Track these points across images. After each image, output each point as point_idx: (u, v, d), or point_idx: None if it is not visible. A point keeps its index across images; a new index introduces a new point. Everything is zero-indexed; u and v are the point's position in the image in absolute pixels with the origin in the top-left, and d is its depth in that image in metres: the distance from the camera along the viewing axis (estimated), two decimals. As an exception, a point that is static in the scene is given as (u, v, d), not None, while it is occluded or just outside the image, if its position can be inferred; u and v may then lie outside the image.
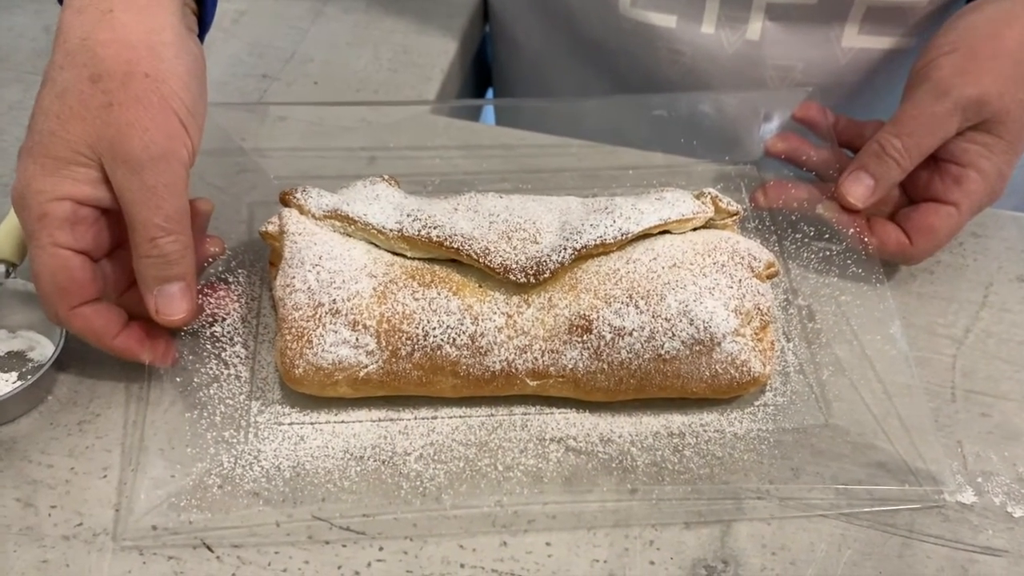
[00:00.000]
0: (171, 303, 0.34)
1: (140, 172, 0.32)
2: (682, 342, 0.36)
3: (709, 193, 0.40)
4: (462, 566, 0.33)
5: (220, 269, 0.41)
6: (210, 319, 0.39)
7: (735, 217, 0.40)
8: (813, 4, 0.52)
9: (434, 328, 0.36)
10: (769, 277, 0.40)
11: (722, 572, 0.34)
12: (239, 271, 0.42)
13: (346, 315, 0.36)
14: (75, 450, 0.36)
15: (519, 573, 0.33)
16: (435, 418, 0.38)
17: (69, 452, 0.36)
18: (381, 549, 0.34)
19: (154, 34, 0.33)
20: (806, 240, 0.44)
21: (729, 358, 0.36)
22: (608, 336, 0.36)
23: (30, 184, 0.32)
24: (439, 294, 0.36)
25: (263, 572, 0.33)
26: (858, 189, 0.41)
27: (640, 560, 0.34)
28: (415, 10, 0.60)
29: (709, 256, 0.38)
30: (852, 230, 0.42)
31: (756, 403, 0.39)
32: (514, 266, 0.36)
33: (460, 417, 0.38)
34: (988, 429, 0.39)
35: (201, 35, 0.38)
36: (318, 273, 0.36)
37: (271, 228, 0.39)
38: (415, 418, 0.38)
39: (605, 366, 0.36)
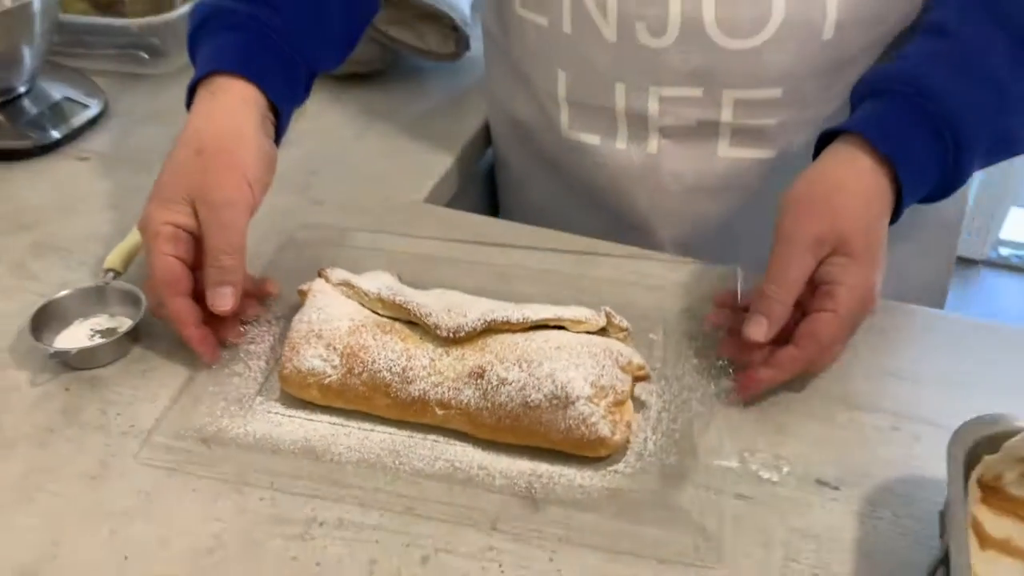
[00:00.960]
0: (221, 299, 0.53)
1: (215, 212, 0.53)
2: (544, 395, 0.49)
3: (604, 309, 0.54)
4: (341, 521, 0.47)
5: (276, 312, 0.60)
6: (250, 341, 0.57)
7: (624, 332, 0.54)
8: (693, 125, 0.68)
9: (379, 358, 0.51)
10: (637, 379, 0.52)
11: None
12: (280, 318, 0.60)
13: (325, 339, 0.52)
14: (138, 387, 0.55)
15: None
16: (372, 431, 0.52)
17: (134, 388, 0.55)
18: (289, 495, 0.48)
19: (239, 129, 0.56)
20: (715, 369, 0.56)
21: (581, 417, 0.49)
22: (495, 383, 0.50)
23: (150, 214, 0.54)
24: (391, 339, 0.52)
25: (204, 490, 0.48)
26: (757, 329, 0.53)
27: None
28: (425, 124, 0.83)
29: (587, 347, 0.51)
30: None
31: (607, 468, 0.50)
32: (442, 325, 0.52)
33: (388, 434, 0.52)
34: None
35: (278, 139, 0.60)
36: (319, 313, 0.54)
37: (305, 288, 0.57)
38: (358, 428, 0.53)
39: (489, 405, 0.50)
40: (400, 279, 0.58)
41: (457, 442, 0.52)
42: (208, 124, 0.56)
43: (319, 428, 0.52)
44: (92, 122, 0.82)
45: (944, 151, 0.55)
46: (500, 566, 0.45)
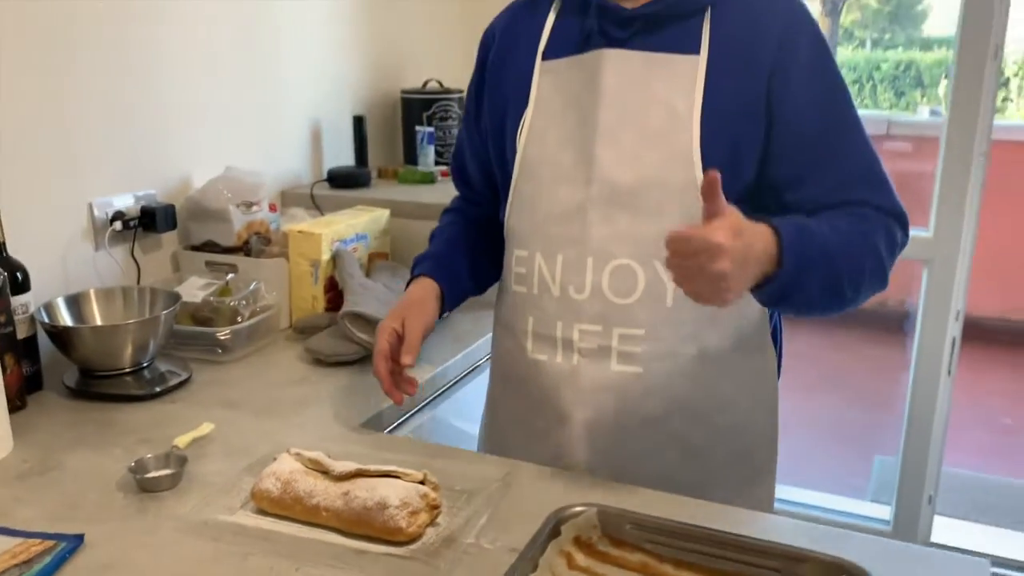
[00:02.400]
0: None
1: (408, 328, 1.10)
2: (375, 503, 0.96)
3: (425, 472, 1.02)
4: None
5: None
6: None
7: (434, 484, 1.01)
8: (596, 348, 1.09)
9: (300, 486, 1.00)
10: (432, 506, 0.99)
11: None
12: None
13: (277, 476, 1.02)
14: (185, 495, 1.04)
15: None
16: (291, 523, 0.99)
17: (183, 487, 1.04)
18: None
19: (423, 296, 1.18)
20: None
21: (391, 514, 0.95)
22: (353, 498, 0.97)
23: (383, 324, 1.15)
24: (308, 477, 1.01)
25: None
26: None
27: None
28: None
29: (405, 487, 0.99)
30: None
31: (406, 547, 0.95)
32: (332, 471, 1.01)
33: (298, 525, 0.99)
34: None
35: (442, 309, 1.20)
36: (277, 464, 1.04)
37: (284, 454, 1.07)
38: (294, 523, 1.00)
39: (347, 509, 0.97)
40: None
41: (327, 531, 0.98)
42: (412, 292, 1.20)
43: (269, 521, 1.00)
44: (181, 384, 1.39)
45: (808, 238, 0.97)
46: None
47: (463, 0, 2.37)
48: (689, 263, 0.88)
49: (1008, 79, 7.36)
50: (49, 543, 0.95)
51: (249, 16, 1.81)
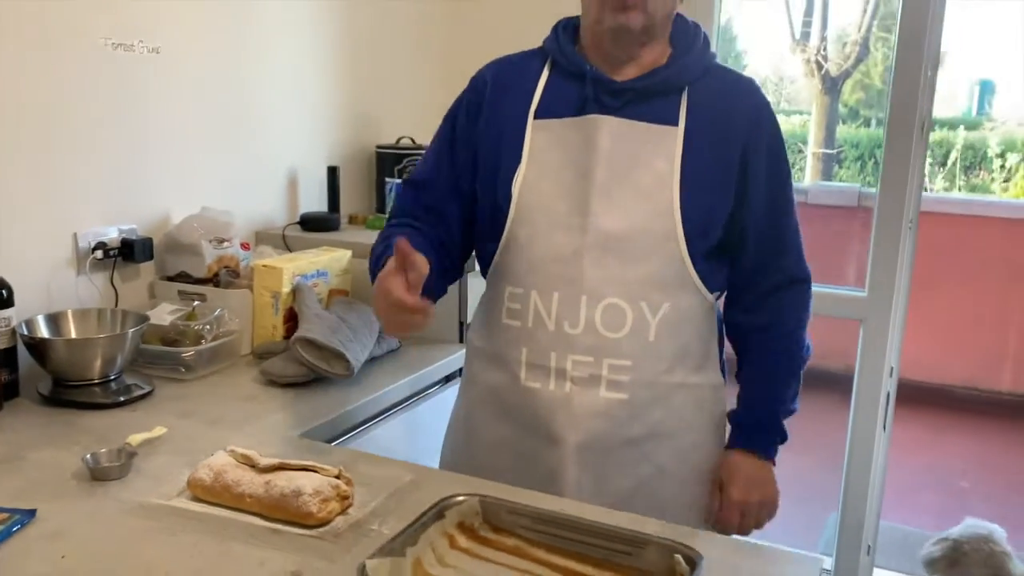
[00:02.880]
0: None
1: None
2: (291, 491, 1.09)
3: (340, 468, 1.15)
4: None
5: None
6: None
7: (347, 478, 1.14)
8: (587, 377, 1.23)
9: (229, 475, 1.14)
10: (342, 496, 1.12)
11: None
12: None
13: (211, 467, 1.15)
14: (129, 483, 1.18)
15: (206, 532, 1.06)
16: (223, 509, 1.13)
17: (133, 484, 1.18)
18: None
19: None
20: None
21: (303, 502, 1.08)
22: (273, 485, 1.11)
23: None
24: (237, 468, 1.15)
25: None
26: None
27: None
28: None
29: (320, 479, 1.12)
30: None
31: (322, 530, 1.09)
32: (258, 464, 1.15)
33: (228, 511, 1.13)
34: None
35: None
36: (212, 458, 1.17)
37: (222, 451, 1.21)
38: (220, 508, 1.13)
39: (268, 496, 1.10)
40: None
41: (250, 515, 1.12)
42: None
43: (201, 506, 1.14)
44: (145, 396, 1.53)
45: (776, 440, 1.35)
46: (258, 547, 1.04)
47: (438, 62, 2.57)
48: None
49: (991, 159, 7.59)
50: (6, 516, 1.09)
51: (235, 69, 2.00)
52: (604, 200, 1.23)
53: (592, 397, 1.25)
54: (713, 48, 1.33)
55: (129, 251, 1.75)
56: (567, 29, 1.33)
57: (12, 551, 1.03)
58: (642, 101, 1.25)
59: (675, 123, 1.25)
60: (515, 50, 1.38)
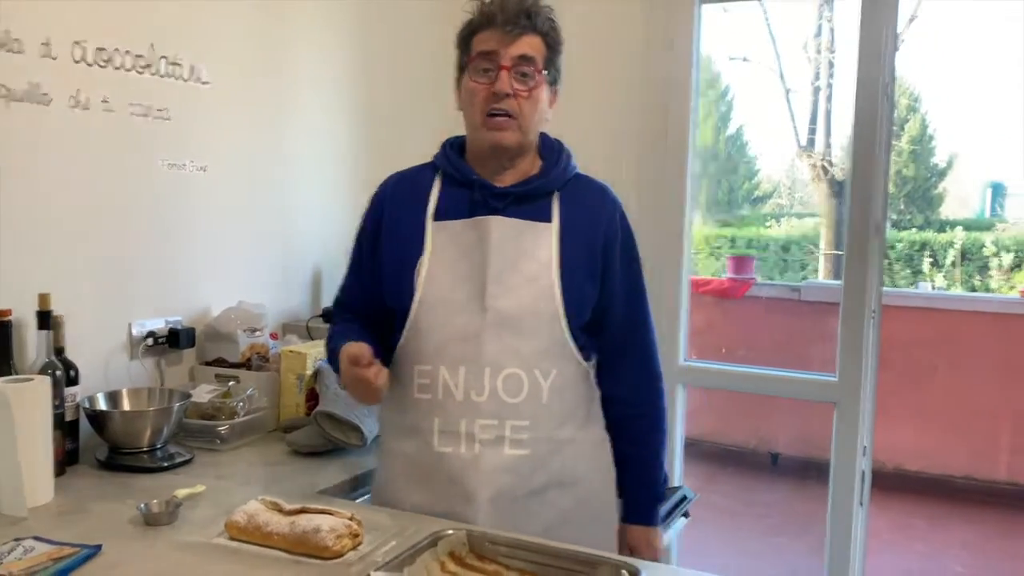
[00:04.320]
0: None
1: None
2: (311, 529, 1.31)
3: (352, 513, 1.38)
4: None
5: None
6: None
7: (358, 521, 1.37)
8: (493, 439, 1.42)
9: (260, 518, 1.36)
10: (354, 534, 1.34)
11: None
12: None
13: (245, 511, 1.38)
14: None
15: None
16: (256, 546, 1.35)
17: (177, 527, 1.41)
18: None
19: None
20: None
21: (321, 538, 1.30)
22: (296, 524, 1.33)
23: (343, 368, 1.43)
24: (266, 512, 1.38)
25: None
26: None
27: None
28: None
29: (339, 521, 1.35)
30: None
31: (336, 561, 1.30)
32: (284, 509, 1.38)
33: (259, 547, 1.35)
34: None
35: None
36: (246, 505, 1.40)
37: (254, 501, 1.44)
38: (251, 545, 1.35)
39: (292, 533, 1.33)
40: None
41: (277, 550, 1.34)
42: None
43: (237, 547, 1.36)
44: (186, 462, 1.77)
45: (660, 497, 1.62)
46: (278, 578, 1.26)
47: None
48: None
49: (989, 257, 7.82)
50: (76, 549, 1.32)
51: (269, 184, 2.32)
52: (498, 286, 1.45)
53: (498, 455, 1.44)
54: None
55: (175, 339, 2.02)
56: (454, 146, 1.57)
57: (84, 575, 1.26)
58: (522, 203, 1.49)
59: (550, 220, 1.49)
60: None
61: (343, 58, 2.54)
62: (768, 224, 11.03)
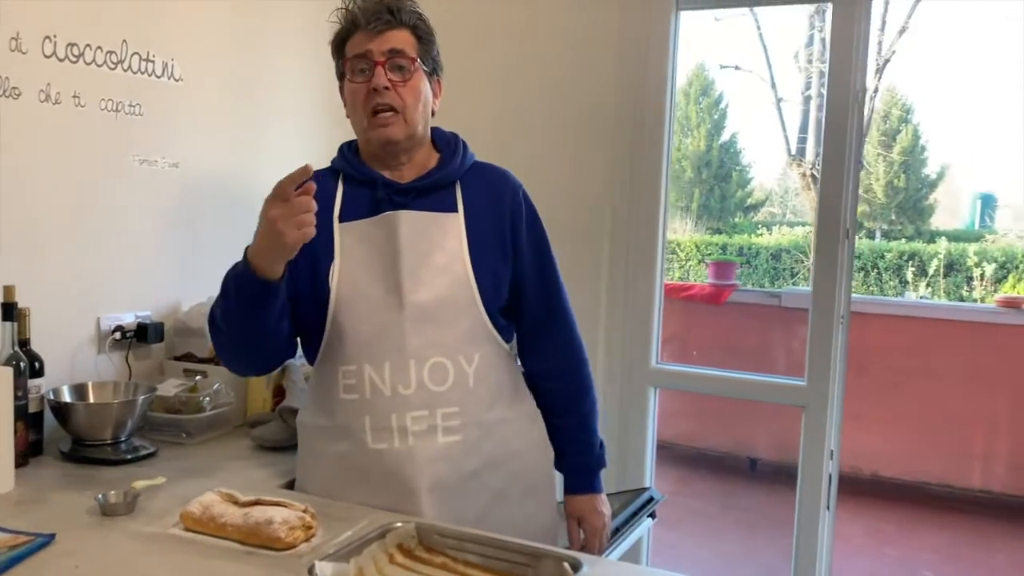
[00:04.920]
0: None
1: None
2: (264, 520, 1.33)
3: (306, 505, 1.39)
4: None
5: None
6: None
7: (311, 514, 1.38)
8: (425, 429, 1.46)
9: (215, 509, 1.38)
10: (307, 526, 1.36)
11: None
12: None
13: (201, 503, 1.40)
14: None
15: None
16: (209, 538, 1.37)
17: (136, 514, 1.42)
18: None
19: None
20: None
21: (273, 530, 1.32)
22: (250, 516, 1.35)
23: (265, 211, 1.34)
24: (222, 504, 1.39)
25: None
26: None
27: None
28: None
29: (291, 513, 1.36)
30: None
31: (288, 553, 1.32)
32: (239, 500, 1.39)
33: (215, 540, 1.36)
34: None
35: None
36: (203, 497, 1.42)
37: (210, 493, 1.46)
38: (205, 536, 1.37)
39: (245, 524, 1.34)
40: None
41: (230, 541, 1.35)
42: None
43: (191, 535, 1.38)
44: (150, 455, 1.78)
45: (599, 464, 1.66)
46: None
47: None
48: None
49: (970, 267, 7.88)
50: (30, 537, 1.34)
51: (242, 181, 2.33)
52: (413, 279, 1.48)
53: (432, 445, 1.47)
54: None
55: (143, 333, 2.03)
56: (351, 148, 1.61)
57: (35, 564, 1.27)
58: (425, 196, 1.53)
59: (455, 210, 1.53)
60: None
61: (317, 55, 2.55)
62: (759, 232, 11.08)
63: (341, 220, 1.53)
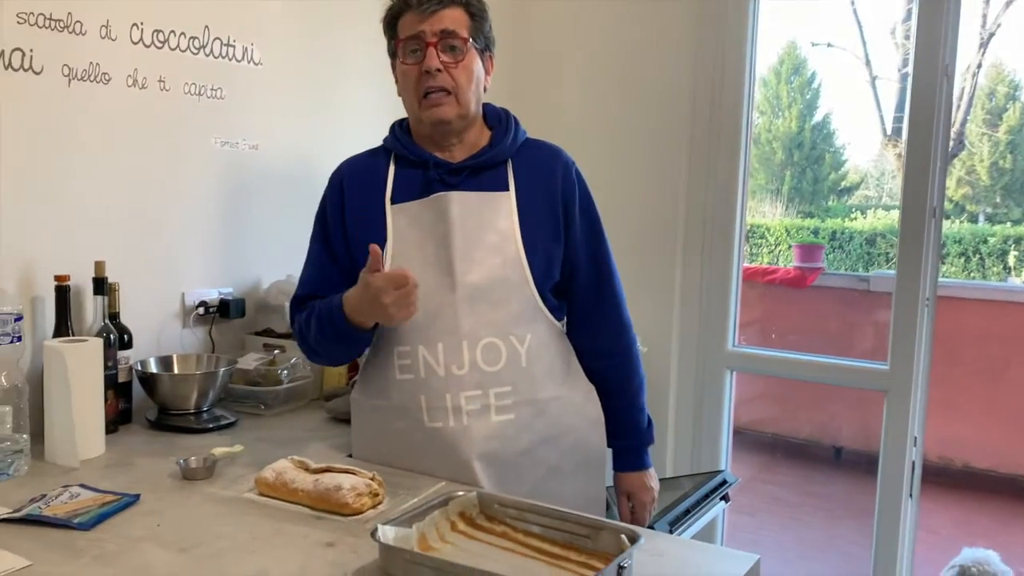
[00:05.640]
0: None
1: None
2: (333, 486, 1.38)
3: (373, 472, 1.43)
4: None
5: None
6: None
7: (379, 481, 1.42)
8: (479, 408, 1.47)
9: (287, 475, 1.43)
10: (374, 493, 1.39)
11: None
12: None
13: (274, 469, 1.45)
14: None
15: (265, 514, 1.36)
16: (283, 502, 1.42)
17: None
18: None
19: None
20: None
21: (342, 495, 1.36)
22: (320, 483, 1.39)
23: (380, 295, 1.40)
24: (294, 470, 1.44)
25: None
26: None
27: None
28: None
29: (359, 479, 1.40)
30: None
31: (355, 518, 1.36)
32: (310, 467, 1.44)
33: (285, 503, 1.42)
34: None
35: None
36: (276, 464, 1.47)
37: (284, 460, 1.51)
38: (277, 500, 1.42)
39: (315, 490, 1.39)
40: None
41: (301, 506, 1.40)
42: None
43: (265, 499, 1.43)
44: (230, 425, 1.86)
45: (647, 441, 1.69)
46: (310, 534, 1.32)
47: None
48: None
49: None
50: (117, 497, 1.41)
51: (317, 161, 2.38)
52: (465, 260, 1.49)
53: (486, 423, 1.49)
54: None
55: (225, 309, 2.11)
56: (402, 127, 1.61)
57: (121, 520, 1.35)
58: (476, 175, 1.53)
59: (507, 188, 1.53)
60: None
61: (396, 41, 2.60)
62: (853, 216, 10.73)
63: (393, 202, 1.55)
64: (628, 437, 1.68)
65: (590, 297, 1.62)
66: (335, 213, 1.60)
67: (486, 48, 1.57)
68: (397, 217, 1.53)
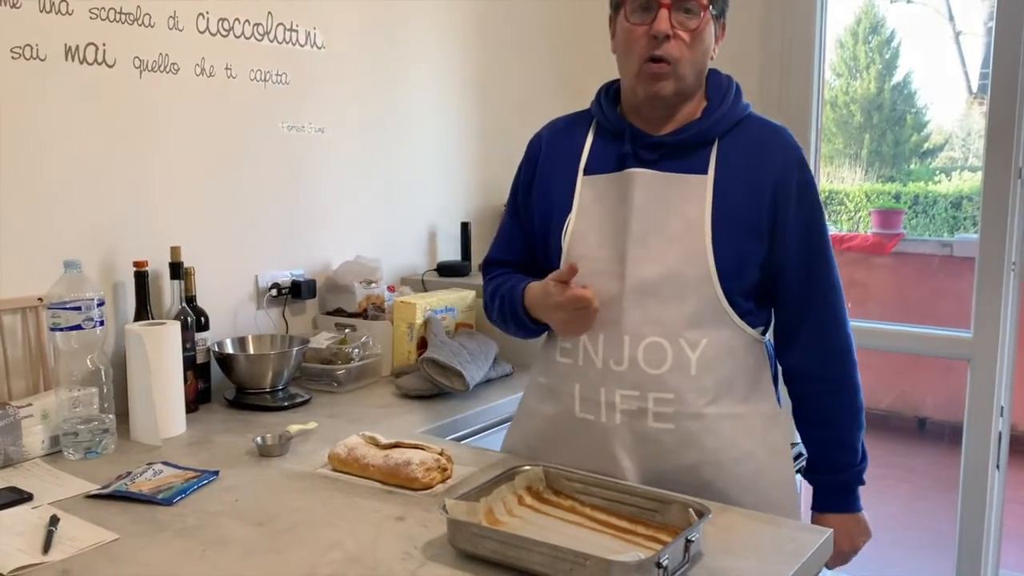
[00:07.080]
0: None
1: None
2: (402, 462, 1.40)
3: (442, 447, 1.45)
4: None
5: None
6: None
7: (447, 456, 1.44)
8: (635, 410, 1.34)
9: (358, 451, 1.46)
10: (443, 468, 1.41)
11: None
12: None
13: (346, 444, 1.48)
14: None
15: (337, 489, 1.39)
16: (358, 478, 1.45)
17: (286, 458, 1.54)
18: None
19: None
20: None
21: (411, 470, 1.38)
22: (391, 459, 1.42)
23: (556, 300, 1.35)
24: (365, 446, 1.47)
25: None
26: None
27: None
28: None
29: (427, 454, 1.43)
30: None
31: (424, 493, 1.38)
32: (380, 443, 1.47)
33: (358, 479, 1.45)
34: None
35: None
36: (348, 439, 1.51)
37: (356, 436, 1.55)
38: (350, 476, 1.46)
39: (386, 465, 1.41)
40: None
41: (372, 481, 1.43)
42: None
43: (337, 475, 1.47)
44: (304, 403, 1.90)
45: (856, 482, 1.46)
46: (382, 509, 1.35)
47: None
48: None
49: None
50: (197, 473, 1.47)
51: (386, 144, 2.42)
52: (640, 249, 1.34)
53: (640, 427, 1.35)
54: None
55: (297, 290, 2.16)
56: (609, 92, 1.46)
57: (202, 496, 1.39)
58: (676, 154, 1.36)
59: (705, 172, 1.34)
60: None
61: (457, 17, 2.59)
62: (937, 179, 10.33)
63: (586, 172, 1.42)
64: (828, 474, 1.46)
65: (795, 311, 1.41)
66: (527, 176, 1.51)
67: (722, 13, 1.39)
68: (586, 189, 1.41)
